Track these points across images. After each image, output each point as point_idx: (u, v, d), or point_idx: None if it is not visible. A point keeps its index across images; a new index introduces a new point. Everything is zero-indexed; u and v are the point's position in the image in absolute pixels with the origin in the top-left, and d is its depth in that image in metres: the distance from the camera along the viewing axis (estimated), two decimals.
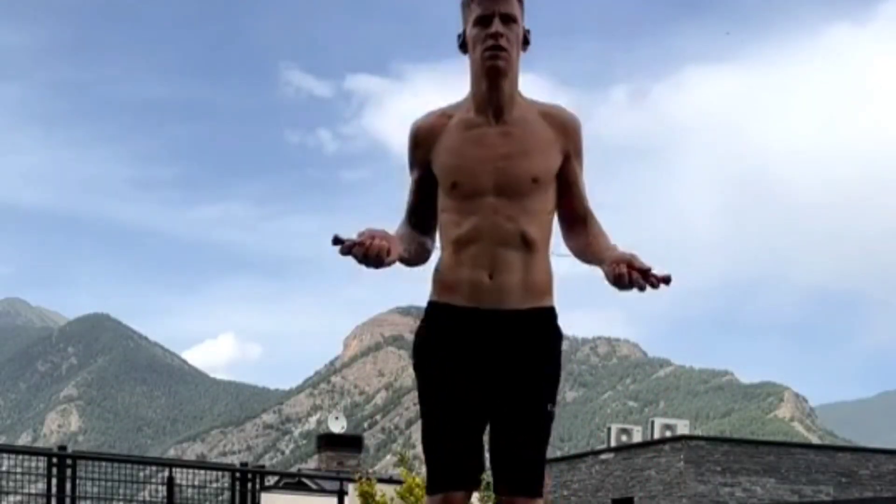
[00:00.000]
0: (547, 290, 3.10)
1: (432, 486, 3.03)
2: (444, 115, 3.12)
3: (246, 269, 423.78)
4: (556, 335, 3.14)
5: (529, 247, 3.02)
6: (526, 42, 3.08)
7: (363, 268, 2.85)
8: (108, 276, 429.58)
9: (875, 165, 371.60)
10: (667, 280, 2.90)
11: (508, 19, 3.01)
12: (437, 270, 3.13)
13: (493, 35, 2.99)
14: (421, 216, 3.16)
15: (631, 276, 2.88)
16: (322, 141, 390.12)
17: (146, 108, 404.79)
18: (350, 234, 2.84)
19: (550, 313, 3.12)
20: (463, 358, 3.03)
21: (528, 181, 3.01)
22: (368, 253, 2.82)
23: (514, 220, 2.99)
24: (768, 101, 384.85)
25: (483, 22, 3.01)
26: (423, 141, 3.11)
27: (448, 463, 3.02)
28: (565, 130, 3.10)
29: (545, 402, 3.09)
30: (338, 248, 2.80)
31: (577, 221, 3.15)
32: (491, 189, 3.00)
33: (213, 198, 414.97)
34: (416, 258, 3.13)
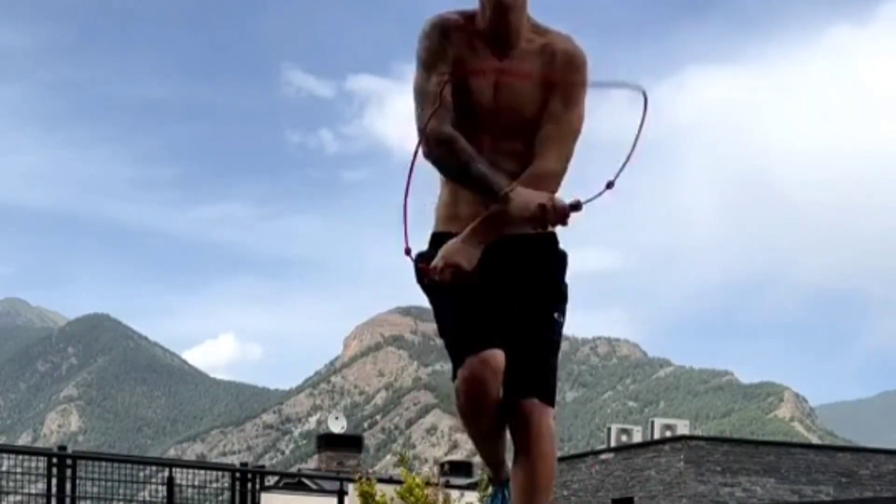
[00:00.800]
0: None
1: (464, 349, 2.88)
2: (464, 22, 3.00)
3: (246, 270, 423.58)
4: (561, 255, 3.14)
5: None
6: None
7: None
8: (108, 277, 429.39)
9: (875, 166, 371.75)
10: (575, 207, 2.79)
11: None
12: (438, 205, 3.11)
13: None
14: (453, 118, 2.94)
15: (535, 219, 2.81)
16: (323, 141, 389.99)
17: (146, 108, 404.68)
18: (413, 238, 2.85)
19: (551, 237, 3.10)
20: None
21: (522, 123, 2.96)
22: (431, 279, 2.86)
23: (508, 161, 2.94)
24: (769, 102, 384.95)
25: None
26: (454, 37, 2.98)
27: (480, 328, 2.91)
28: (562, 63, 2.98)
29: (553, 311, 3.08)
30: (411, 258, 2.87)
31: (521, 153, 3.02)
32: (488, 127, 2.95)
33: (214, 198, 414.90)
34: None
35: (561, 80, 2.98)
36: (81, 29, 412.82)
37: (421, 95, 2.94)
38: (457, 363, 2.90)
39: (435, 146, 2.87)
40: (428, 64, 2.97)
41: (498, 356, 2.86)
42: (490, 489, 3.24)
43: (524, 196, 2.77)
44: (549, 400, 3.01)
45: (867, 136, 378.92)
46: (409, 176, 2.77)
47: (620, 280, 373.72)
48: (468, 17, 3.00)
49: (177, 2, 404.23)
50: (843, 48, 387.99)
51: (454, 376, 2.92)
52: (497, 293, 2.98)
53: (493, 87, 2.96)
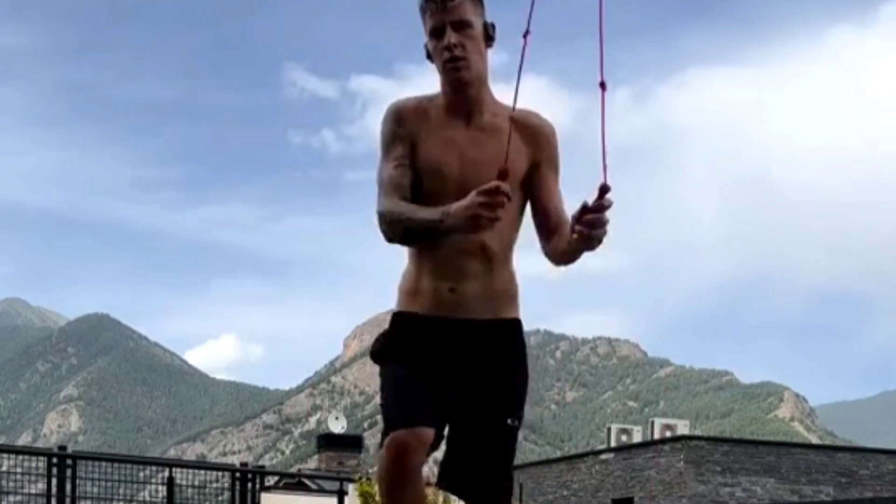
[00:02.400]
0: (510, 301, 3.03)
1: (399, 419, 2.84)
2: (421, 104, 3.03)
3: (249, 270, 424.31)
4: (521, 348, 3.06)
5: (490, 258, 2.96)
6: (489, 38, 2.98)
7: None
8: (109, 277, 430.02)
9: (875, 167, 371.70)
10: (603, 190, 2.61)
11: (461, 26, 2.92)
12: (401, 280, 3.07)
13: (447, 47, 2.92)
14: (405, 195, 2.98)
15: (583, 233, 2.69)
16: (326, 142, 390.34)
17: (149, 108, 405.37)
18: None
19: (515, 325, 3.05)
20: (425, 363, 2.95)
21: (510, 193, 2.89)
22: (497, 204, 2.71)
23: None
24: (771, 103, 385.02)
25: (437, 34, 2.94)
26: (408, 121, 3.01)
27: (420, 401, 2.87)
28: (535, 138, 3.01)
29: (506, 417, 2.98)
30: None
31: (553, 231, 3.00)
32: (454, 195, 2.87)
33: (216, 198, 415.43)
34: None
35: (550, 157, 3.03)
36: (84, 30, 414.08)
37: (378, 183, 3.01)
38: (385, 433, 2.86)
39: (384, 225, 2.91)
40: (384, 151, 3.03)
41: (428, 433, 2.83)
42: None
43: (460, 203, 2.74)
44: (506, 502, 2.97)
45: (868, 137, 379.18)
46: None
47: (621, 280, 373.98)
48: (429, 98, 3.03)
49: (180, 3, 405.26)
50: (845, 49, 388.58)
51: (381, 444, 2.88)
52: (451, 386, 2.93)
53: (459, 159, 2.96)
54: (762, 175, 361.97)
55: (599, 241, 2.69)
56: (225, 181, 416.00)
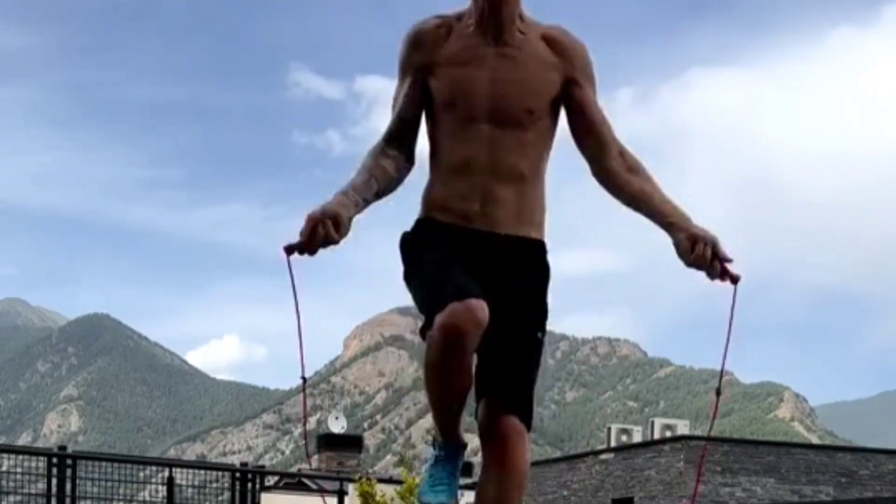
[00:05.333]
0: (538, 222, 2.98)
1: (446, 296, 2.66)
2: (446, 23, 2.96)
3: (252, 271, 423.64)
4: (545, 268, 3.01)
5: (522, 180, 2.91)
6: None
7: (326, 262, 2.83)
8: (110, 277, 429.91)
9: (878, 167, 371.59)
10: (735, 279, 2.84)
11: None
12: (425, 194, 3.00)
13: None
14: (409, 129, 2.97)
15: (712, 263, 2.84)
16: (330, 142, 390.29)
17: (154, 109, 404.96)
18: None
19: (540, 246, 3.00)
20: (456, 256, 2.85)
21: (523, 111, 2.87)
22: (315, 246, 2.75)
23: (509, 153, 2.85)
24: (773, 103, 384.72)
25: None
26: (423, 45, 2.94)
27: (463, 279, 2.74)
28: (567, 54, 2.93)
29: (536, 330, 2.94)
30: (290, 256, 2.77)
31: (603, 150, 2.95)
32: (486, 116, 2.85)
33: (220, 199, 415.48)
34: (385, 190, 2.96)
35: (587, 73, 2.96)
36: (90, 31, 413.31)
37: (392, 108, 3.00)
38: (435, 310, 2.65)
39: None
40: (399, 76, 2.99)
41: (485, 308, 2.65)
42: (435, 450, 2.99)
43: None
44: (528, 422, 2.89)
45: (871, 138, 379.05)
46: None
47: (621, 280, 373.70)
48: (456, 16, 2.96)
49: (185, 4, 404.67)
50: (847, 50, 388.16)
51: (426, 325, 2.70)
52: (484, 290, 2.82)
53: (489, 77, 2.88)
54: (764, 175, 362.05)
55: (692, 267, 2.89)
56: (229, 181, 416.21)
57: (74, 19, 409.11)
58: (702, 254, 2.82)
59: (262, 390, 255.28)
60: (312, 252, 2.77)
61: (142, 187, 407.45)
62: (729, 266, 2.82)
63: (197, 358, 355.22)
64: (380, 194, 2.93)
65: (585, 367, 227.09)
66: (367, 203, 2.87)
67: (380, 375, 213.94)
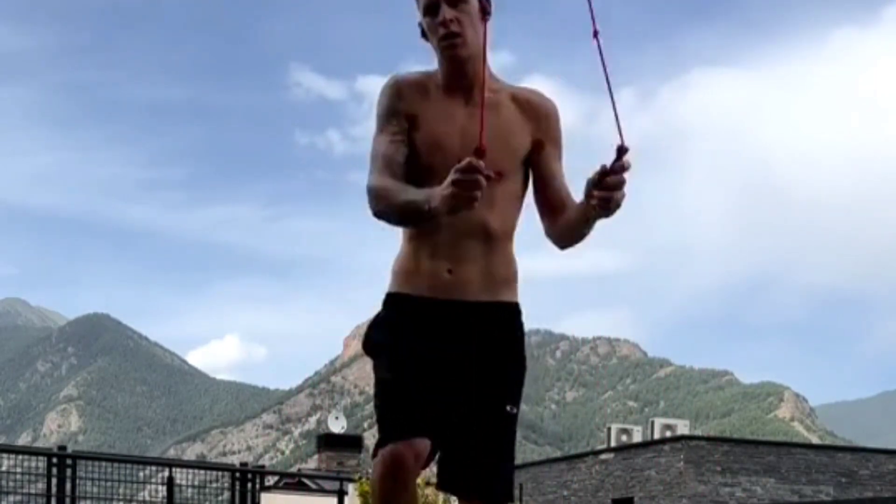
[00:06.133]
0: (509, 283, 2.94)
1: (396, 431, 2.75)
2: (424, 78, 2.95)
3: (252, 271, 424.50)
4: (519, 332, 2.96)
5: (491, 238, 2.88)
6: (485, 12, 2.87)
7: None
8: (111, 277, 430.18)
9: (878, 168, 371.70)
10: (622, 151, 2.57)
11: (456, 1, 2.84)
12: (395, 260, 2.98)
13: (442, 23, 2.84)
14: (396, 172, 2.88)
15: (603, 197, 2.59)
16: (331, 142, 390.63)
17: (154, 109, 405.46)
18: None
19: (513, 309, 2.95)
20: (425, 346, 2.84)
21: (491, 170, 2.76)
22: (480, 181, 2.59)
23: (477, 210, 2.74)
24: (774, 104, 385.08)
25: (431, 11, 2.86)
26: (407, 94, 2.93)
27: (415, 410, 2.76)
28: (537, 117, 2.94)
29: (505, 404, 2.89)
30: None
31: (557, 211, 2.93)
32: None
33: (221, 199, 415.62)
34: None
35: (553, 136, 2.96)
36: (90, 31, 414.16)
37: (371, 156, 2.92)
38: (381, 441, 2.77)
39: (373, 201, 2.81)
40: (380, 124, 2.95)
41: (423, 445, 2.75)
42: None
43: (441, 187, 2.61)
44: (503, 500, 2.88)
45: (871, 139, 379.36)
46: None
47: (621, 280, 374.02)
48: (429, 74, 2.95)
49: (186, 4, 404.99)
50: (848, 51, 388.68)
51: (374, 453, 2.79)
52: (448, 373, 2.83)
53: (460, 135, 2.86)
54: (764, 176, 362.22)
55: (618, 206, 2.61)
56: (229, 181, 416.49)
57: (75, 19, 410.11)
58: (596, 202, 2.61)
59: (262, 390, 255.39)
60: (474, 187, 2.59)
61: (142, 187, 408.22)
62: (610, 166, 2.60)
63: (197, 358, 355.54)
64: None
65: (585, 367, 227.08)
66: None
67: None
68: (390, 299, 2.96)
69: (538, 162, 2.95)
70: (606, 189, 2.55)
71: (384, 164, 2.87)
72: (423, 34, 2.92)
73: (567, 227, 2.87)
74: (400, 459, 2.72)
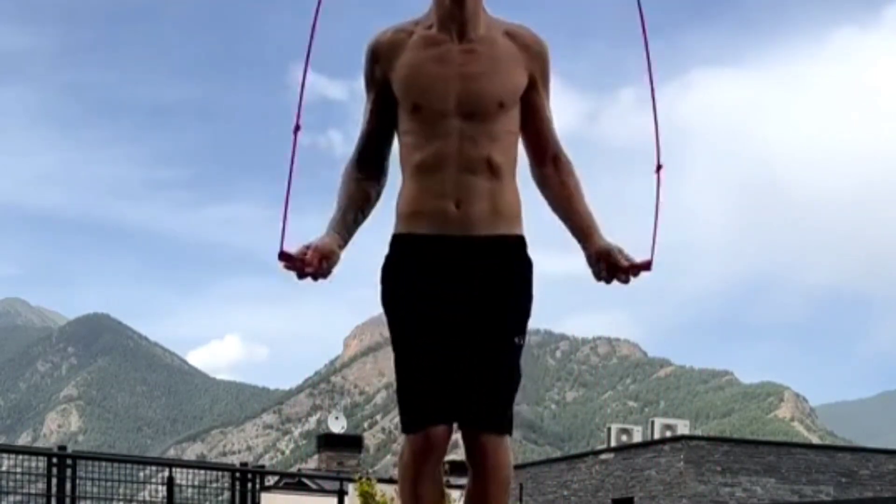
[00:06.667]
0: (515, 216, 2.98)
1: (411, 423, 2.89)
2: (404, 30, 2.96)
3: (253, 271, 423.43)
4: (526, 264, 3.00)
5: (496, 172, 2.90)
6: None
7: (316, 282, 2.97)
8: (111, 277, 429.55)
9: (879, 168, 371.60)
10: (647, 266, 2.90)
11: None
12: (399, 200, 3.01)
13: None
14: (376, 144, 3.01)
15: (618, 273, 2.94)
16: (333, 142, 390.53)
17: (156, 109, 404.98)
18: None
19: (519, 241, 2.99)
20: (432, 286, 2.91)
21: (493, 104, 2.88)
22: (305, 273, 2.89)
23: (480, 145, 2.85)
24: (775, 104, 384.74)
25: None
26: (383, 56, 2.95)
27: (427, 394, 2.86)
28: (530, 51, 2.96)
29: (513, 334, 2.93)
30: (282, 263, 2.86)
31: (544, 154, 3.03)
32: (454, 111, 2.86)
33: (222, 199, 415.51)
34: (366, 214, 3.06)
35: (546, 76, 3.01)
36: (93, 31, 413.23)
37: (361, 126, 3.06)
38: (405, 427, 2.91)
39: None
40: (365, 92, 3.04)
41: (442, 433, 2.88)
42: None
43: (324, 235, 2.99)
44: (506, 429, 2.92)
45: (872, 139, 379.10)
46: (291, 169, 2.94)
47: None
48: (414, 21, 2.98)
49: (188, 4, 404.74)
50: (849, 51, 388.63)
51: (404, 430, 2.94)
52: (455, 309, 2.89)
53: (457, 73, 2.88)
54: (765, 176, 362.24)
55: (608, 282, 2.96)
56: (231, 181, 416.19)
57: (77, 19, 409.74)
58: (602, 277, 2.96)
59: (262, 390, 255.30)
60: (302, 277, 2.91)
61: (144, 187, 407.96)
62: (637, 263, 2.93)
63: (197, 358, 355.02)
64: (359, 222, 3.04)
65: (585, 367, 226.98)
66: (350, 237, 3.01)
67: (380, 375, 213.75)
68: (396, 240, 3.01)
69: (532, 100, 3.00)
70: (614, 274, 2.90)
71: (360, 145, 3.05)
72: None
73: (554, 202, 3.05)
74: (422, 450, 2.88)
